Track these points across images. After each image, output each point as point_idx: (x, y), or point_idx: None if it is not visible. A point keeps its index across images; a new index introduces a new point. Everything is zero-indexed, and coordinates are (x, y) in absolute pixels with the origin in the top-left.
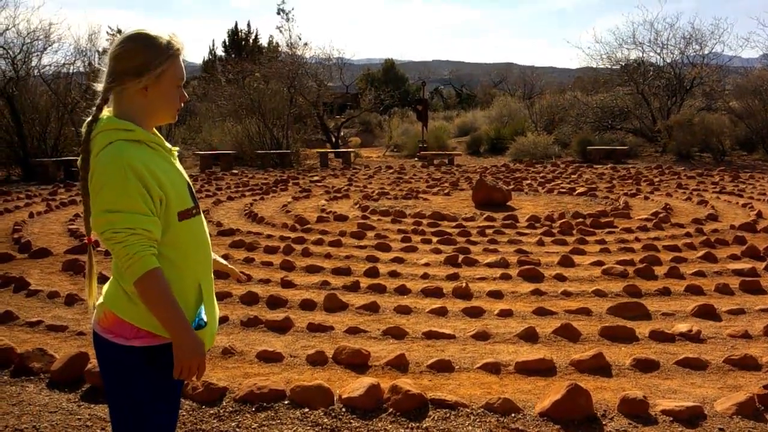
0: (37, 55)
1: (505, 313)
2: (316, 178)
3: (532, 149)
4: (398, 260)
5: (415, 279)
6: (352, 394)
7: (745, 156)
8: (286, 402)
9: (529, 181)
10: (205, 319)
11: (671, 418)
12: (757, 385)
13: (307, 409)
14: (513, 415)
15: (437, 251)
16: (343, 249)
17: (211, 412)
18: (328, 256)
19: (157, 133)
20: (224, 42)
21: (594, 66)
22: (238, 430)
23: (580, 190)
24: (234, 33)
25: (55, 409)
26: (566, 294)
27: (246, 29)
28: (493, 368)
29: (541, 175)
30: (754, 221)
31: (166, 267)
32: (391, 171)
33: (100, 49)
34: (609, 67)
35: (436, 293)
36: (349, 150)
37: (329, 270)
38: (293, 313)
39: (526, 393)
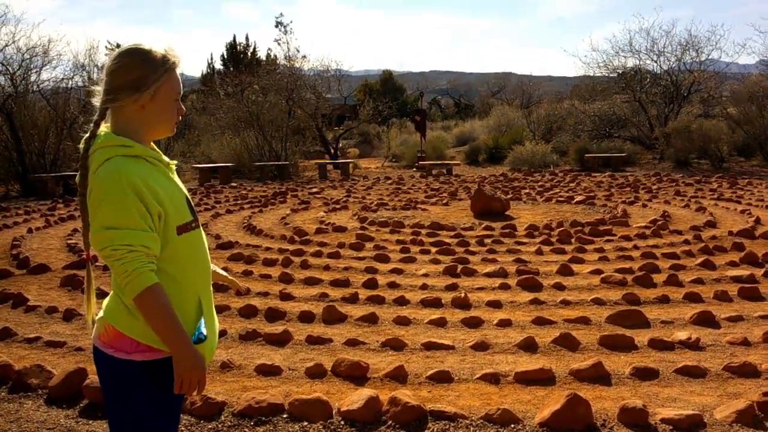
0: (36, 71)
1: (504, 323)
2: (314, 189)
3: (530, 158)
4: (397, 271)
5: (414, 290)
6: (351, 406)
7: (743, 162)
8: (284, 415)
9: (527, 190)
10: (205, 333)
11: (671, 427)
12: (757, 392)
13: (305, 423)
14: (512, 425)
15: (436, 261)
16: (341, 260)
17: (210, 426)
18: (326, 267)
19: (155, 147)
20: (222, 55)
21: (591, 74)
22: None
23: (579, 198)
24: (232, 46)
25: (53, 426)
26: (565, 303)
27: (244, 42)
28: (493, 379)
29: (540, 184)
30: (753, 227)
31: (165, 281)
32: (389, 182)
33: (99, 64)
34: (606, 75)
35: (435, 304)
36: (348, 161)
37: (328, 282)
38: (292, 326)
39: (525, 403)
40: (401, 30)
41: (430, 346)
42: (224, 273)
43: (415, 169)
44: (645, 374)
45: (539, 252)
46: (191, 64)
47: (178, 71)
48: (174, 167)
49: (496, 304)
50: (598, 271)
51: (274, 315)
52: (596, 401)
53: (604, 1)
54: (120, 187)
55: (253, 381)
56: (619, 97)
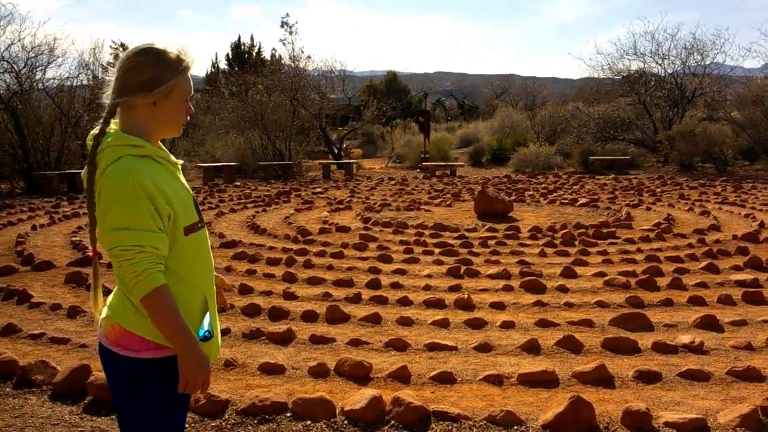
0: (42, 69)
1: (508, 325)
2: (318, 189)
3: (534, 160)
4: (400, 272)
5: (417, 290)
6: (354, 406)
7: (748, 166)
8: (288, 414)
9: (531, 192)
10: (211, 330)
11: (674, 431)
12: (761, 396)
13: (309, 422)
14: (515, 427)
15: (439, 262)
16: (345, 260)
17: (213, 424)
18: (330, 267)
19: (162, 146)
20: (227, 55)
21: (596, 77)
22: None
23: (582, 201)
24: (237, 46)
25: (57, 422)
26: (568, 305)
27: (249, 42)
28: (496, 380)
29: (543, 186)
30: (757, 231)
31: (172, 281)
32: (393, 182)
33: (104, 63)
34: (611, 77)
35: (438, 305)
36: (352, 161)
37: (331, 281)
38: (295, 325)
39: (528, 405)
40: (406, 32)
41: (433, 347)
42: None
43: (418, 170)
44: (648, 377)
45: (542, 254)
46: (195, 64)
47: (190, 73)
48: (180, 167)
49: (499, 306)
50: (601, 274)
51: (277, 314)
52: (599, 404)
53: (609, 5)
54: (131, 188)
55: (256, 379)
56: (624, 99)
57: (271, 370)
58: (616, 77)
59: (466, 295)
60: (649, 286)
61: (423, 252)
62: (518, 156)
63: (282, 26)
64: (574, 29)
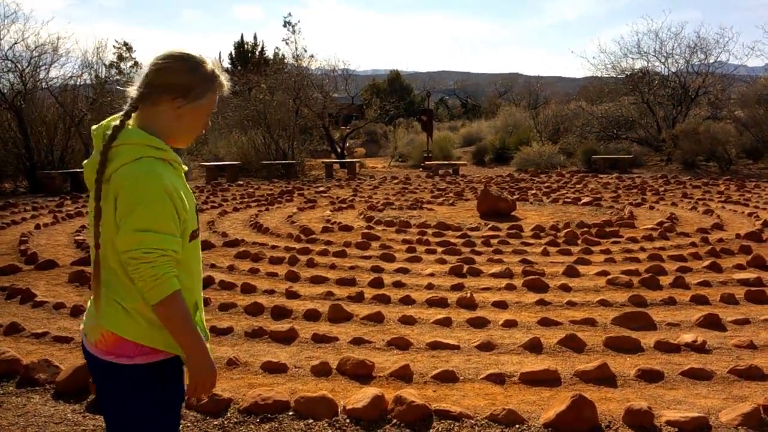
0: (45, 69)
1: (510, 324)
2: (321, 188)
3: (537, 159)
4: (403, 270)
5: (420, 289)
6: (357, 405)
7: (751, 165)
8: (290, 413)
9: (534, 191)
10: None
11: (676, 429)
12: (763, 395)
13: (311, 420)
14: (517, 426)
15: (442, 261)
16: (347, 259)
17: (216, 423)
18: (332, 266)
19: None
20: (230, 54)
21: (599, 75)
22: None
23: (585, 199)
24: (240, 45)
25: (60, 420)
26: (571, 304)
27: (252, 41)
28: (498, 379)
29: (546, 185)
30: (760, 230)
31: None
32: (396, 181)
33: (106, 62)
34: (614, 76)
35: (441, 304)
36: (354, 160)
37: (334, 280)
38: (298, 324)
39: (530, 404)
40: (409, 31)
41: (435, 346)
42: None
43: (421, 169)
44: (650, 376)
45: (545, 253)
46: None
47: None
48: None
49: (501, 305)
50: (604, 273)
51: (280, 313)
52: (601, 403)
53: (612, 3)
54: (158, 191)
55: (259, 378)
56: (627, 98)
57: (274, 368)
58: (619, 76)
59: (468, 294)
60: (651, 284)
61: (426, 251)
62: (521, 155)
63: (285, 26)
64: (577, 28)
